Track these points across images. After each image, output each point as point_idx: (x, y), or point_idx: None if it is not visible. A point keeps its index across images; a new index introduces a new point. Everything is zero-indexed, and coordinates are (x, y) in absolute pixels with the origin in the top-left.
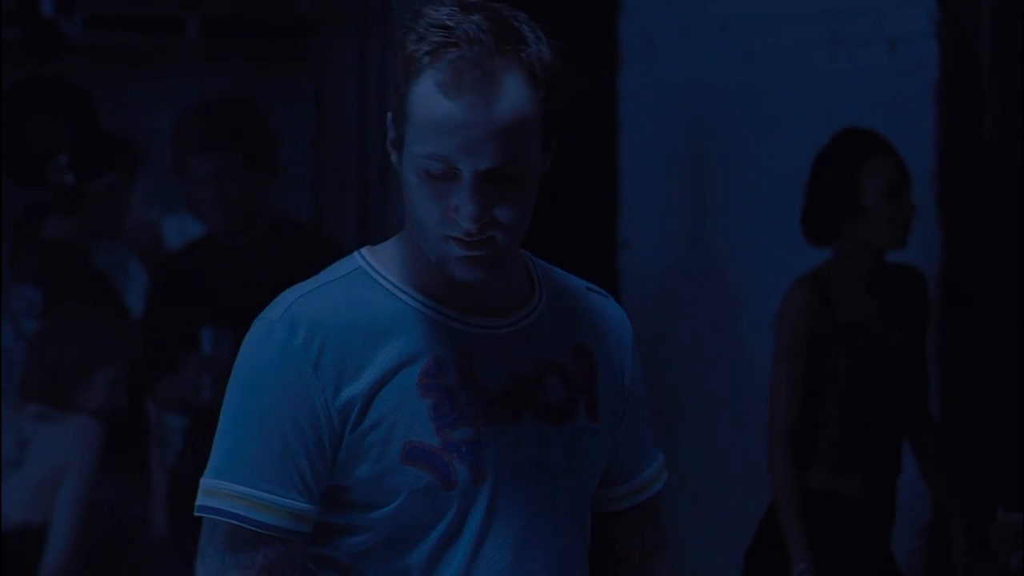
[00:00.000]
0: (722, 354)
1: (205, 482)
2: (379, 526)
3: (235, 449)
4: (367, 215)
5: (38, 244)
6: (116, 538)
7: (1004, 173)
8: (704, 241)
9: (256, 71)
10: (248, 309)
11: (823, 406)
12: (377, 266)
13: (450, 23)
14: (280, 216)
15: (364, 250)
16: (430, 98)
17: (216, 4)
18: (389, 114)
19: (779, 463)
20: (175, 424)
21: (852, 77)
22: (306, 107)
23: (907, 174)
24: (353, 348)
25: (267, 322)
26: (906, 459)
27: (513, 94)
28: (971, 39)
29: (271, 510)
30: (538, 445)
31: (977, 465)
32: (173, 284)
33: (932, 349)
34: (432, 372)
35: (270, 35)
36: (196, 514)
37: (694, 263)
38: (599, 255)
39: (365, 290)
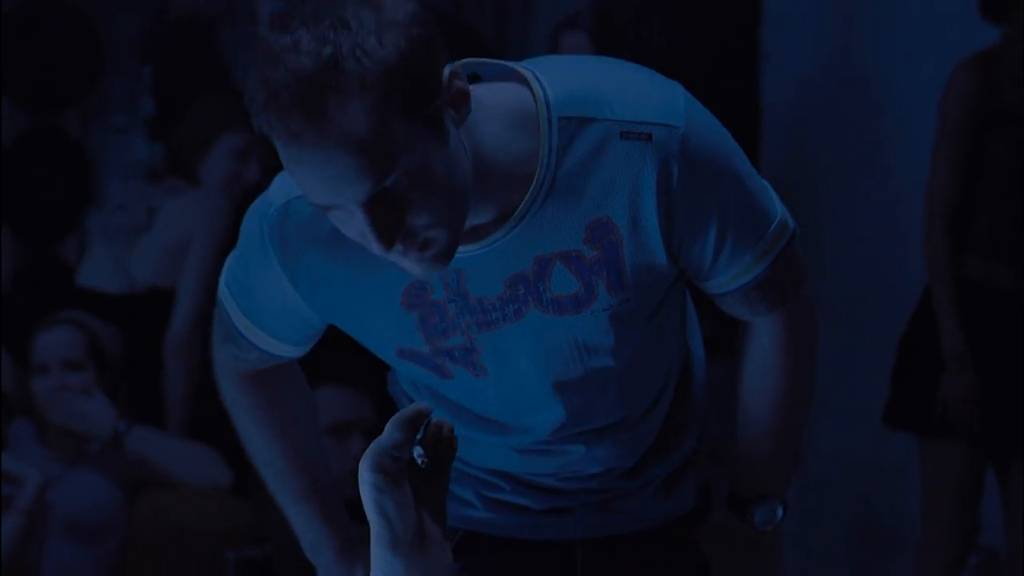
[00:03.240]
0: (866, 164)
1: (222, 279)
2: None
3: (239, 280)
4: (507, 9)
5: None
6: None
7: None
8: (849, 50)
9: None
10: None
11: (981, 192)
12: None
13: (268, 73)
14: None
15: None
16: (279, 149)
17: None
18: None
19: (936, 246)
20: None
21: None
22: None
23: None
24: (329, 270)
25: (262, 208)
26: None
27: (347, 123)
28: None
29: (256, 336)
30: (547, 337)
31: None
32: None
33: None
34: (415, 291)
35: None
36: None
37: (838, 73)
38: (741, 67)
39: None
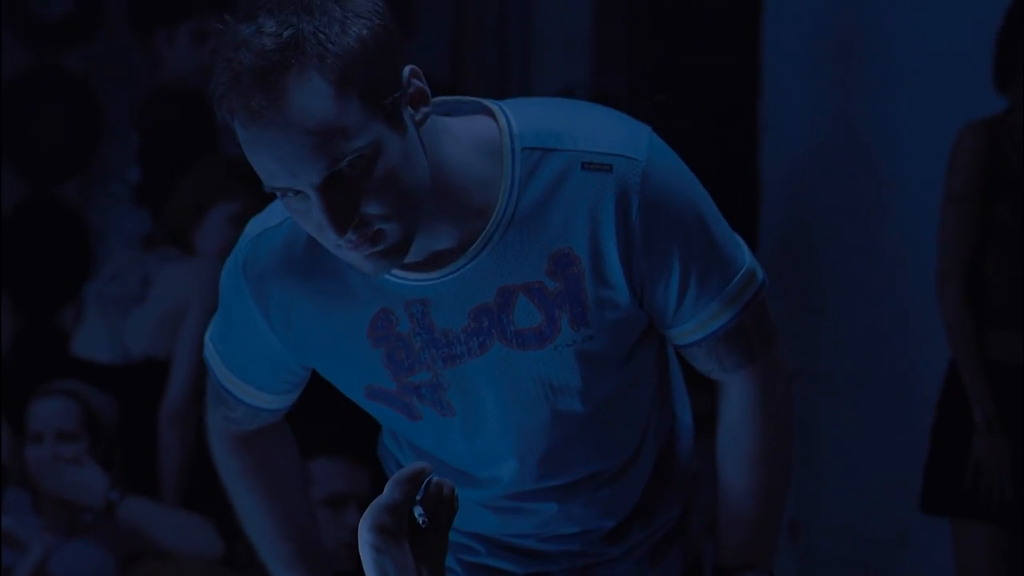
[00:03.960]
0: (868, 235)
1: (207, 335)
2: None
3: (221, 332)
4: (506, 77)
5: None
6: None
7: None
8: (849, 120)
9: None
10: None
11: (989, 261)
12: None
13: (231, 55)
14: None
15: None
16: (239, 131)
17: None
18: None
19: (952, 311)
20: None
21: None
22: None
23: None
24: (300, 302)
25: (235, 255)
26: None
27: (306, 101)
28: None
29: (242, 390)
30: (512, 374)
31: None
32: None
33: None
34: (381, 324)
35: None
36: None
37: (838, 145)
38: (740, 138)
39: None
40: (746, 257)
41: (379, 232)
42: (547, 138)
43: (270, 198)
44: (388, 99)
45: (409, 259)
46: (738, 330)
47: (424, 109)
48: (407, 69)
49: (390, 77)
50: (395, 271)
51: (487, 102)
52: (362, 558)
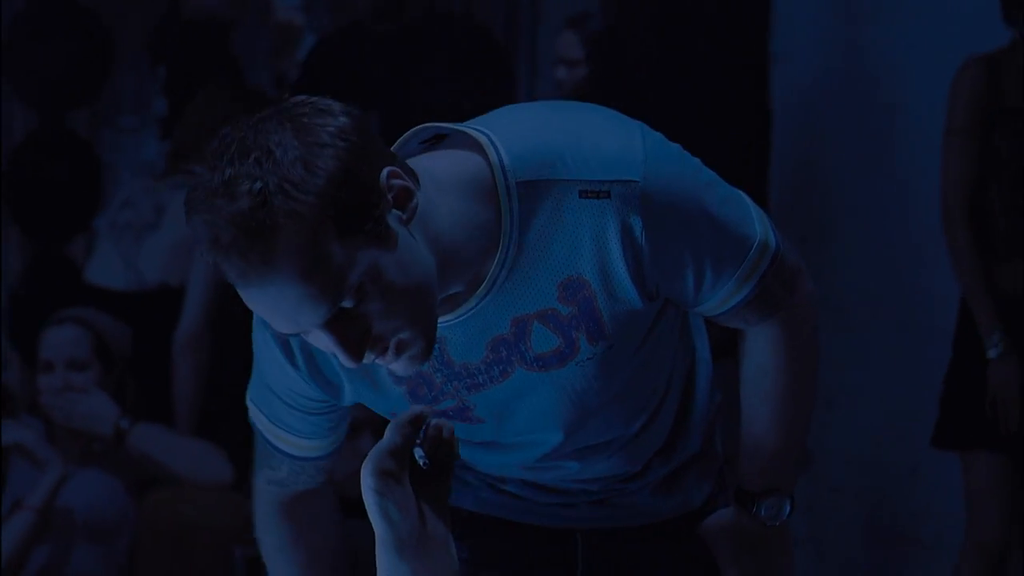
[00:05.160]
0: (879, 162)
1: (248, 398)
2: None
3: (257, 386)
4: (516, 7)
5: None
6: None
7: None
8: (858, 49)
9: None
10: (395, 95)
11: (989, 193)
12: None
13: (207, 216)
14: (431, 4)
15: None
16: (236, 288)
17: None
18: None
19: (957, 240)
20: None
21: None
22: None
23: None
24: (324, 355)
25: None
26: None
27: (289, 257)
28: None
29: (285, 441)
30: (536, 391)
31: None
32: (321, 67)
33: None
34: None
35: None
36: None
37: (848, 74)
38: (752, 70)
39: None
40: (756, 228)
41: (401, 343)
42: (540, 168)
43: None
44: (369, 220)
45: None
46: (760, 296)
47: (411, 205)
48: (384, 173)
49: (368, 197)
50: None
51: (471, 131)
52: (365, 503)
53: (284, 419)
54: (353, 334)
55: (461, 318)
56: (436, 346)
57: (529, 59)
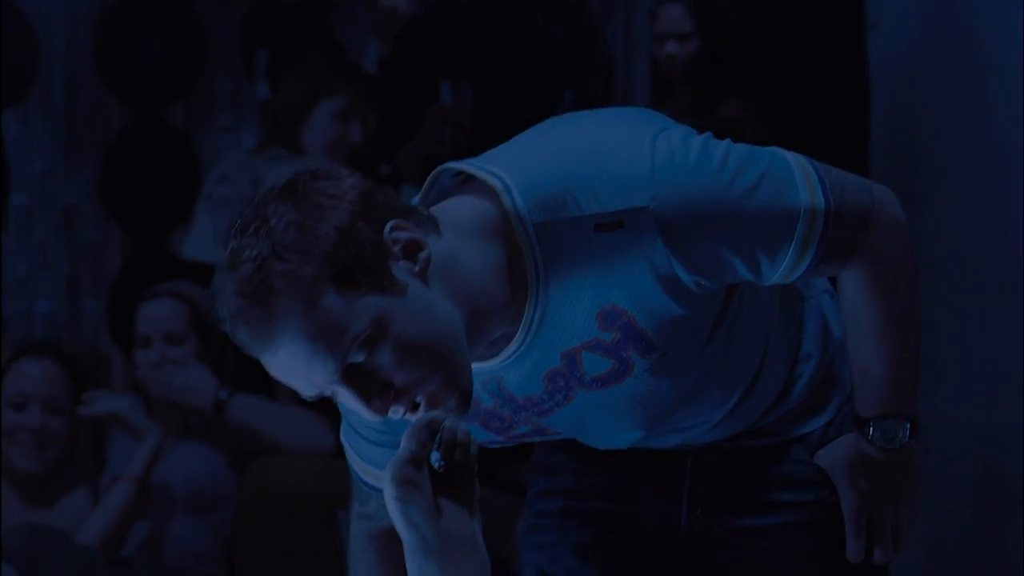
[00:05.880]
0: (978, 125)
1: (342, 436)
2: None
3: (345, 424)
4: None
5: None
6: None
7: None
8: (955, 12)
9: None
10: (484, 62)
11: None
12: None
13: (219, 290)
14: None
15: None
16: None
17: None
18: None
19: None
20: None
21: None
22: None
23: None
24: None
25: None
26: None
27: (290, 319)
28: None
29: (370, 475)
30: (605, 405)
31: None
32: (415, 43)
33: None
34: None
35: None
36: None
37: (946, 37)
38: (848, 38)
39: None
40: (800, 195)
41: (431, 396)
42: (554, 208)
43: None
44: (372, 273)
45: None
46: (826, 254)
47: (422, 255)
48: (388, 226)
49: (368, 250)
50: None
51: (486, 176)
52: (389, 511)
53: (368, 453)
54: (371, 387)
55: (508, 361)
56: (495, 385)
57: (625, 34)
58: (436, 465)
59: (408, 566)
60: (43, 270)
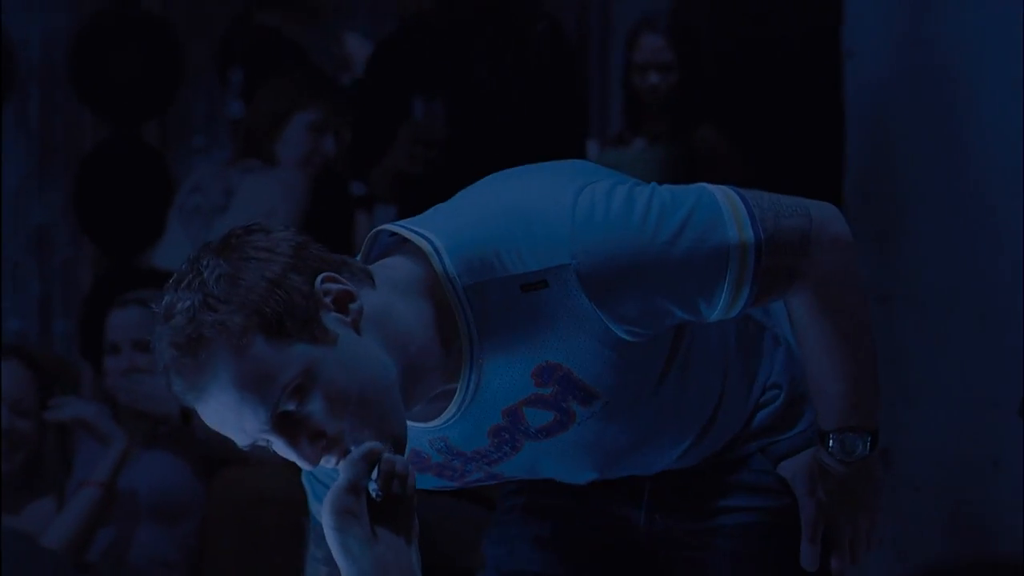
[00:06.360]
0: (953, 157)
1: (303, 479)
2: None
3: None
4: (586, 7)
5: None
6: None
7: None
8: (931, 43)
9: None
10: (456, 81)
11: None
12: None
13: (155, 344)
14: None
15: None
16: None
17: None
18: None
19: None
20: None
21: None
22: None
23: None
24: None
25: None
26: None
27: (220, 370)
28: None
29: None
30: (553, 452)
31: None
32: (386, 60)
33: None
34: (416, 459)
35: None
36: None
37: (922, 67)
38: (824, 66)
39: None
40: (728, 233)
41: (356, 439)
42: (481, 270)
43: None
44: (302, 323)
45: (411, 416)
46: (764, 286)
47: (354, 306)
48: (320, 278)
49: (299, 300)
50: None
51: (417, 239)
52: (328, 541)
53: (322, 495)
54: (303, 436)
55: (450, 422)
56: (442, 443)
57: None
58: (374, 495)
59: None
60: (14, 290)
